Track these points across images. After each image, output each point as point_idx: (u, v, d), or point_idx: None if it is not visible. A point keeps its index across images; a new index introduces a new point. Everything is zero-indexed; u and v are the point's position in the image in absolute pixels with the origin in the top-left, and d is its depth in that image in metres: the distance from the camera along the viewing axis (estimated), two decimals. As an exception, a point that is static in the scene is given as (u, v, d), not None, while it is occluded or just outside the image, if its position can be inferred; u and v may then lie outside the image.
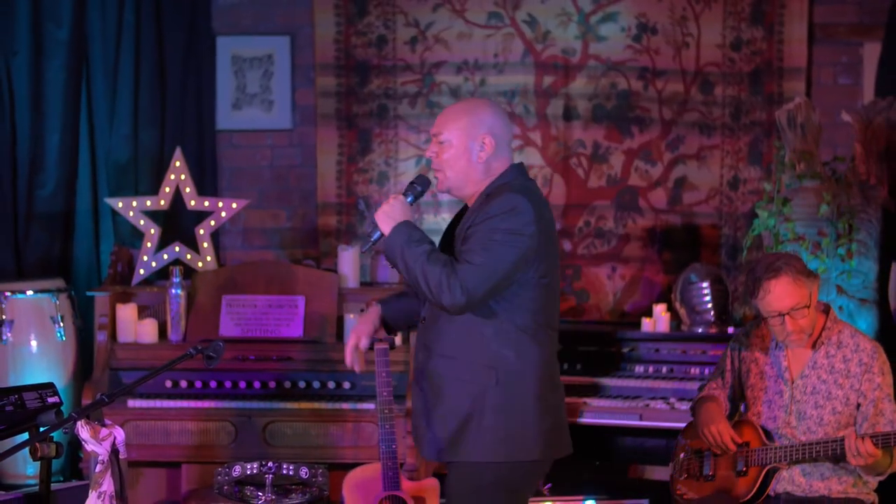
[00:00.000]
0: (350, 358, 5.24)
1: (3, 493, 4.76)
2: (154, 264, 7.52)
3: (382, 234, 4.97)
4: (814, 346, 5.67)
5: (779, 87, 8.25)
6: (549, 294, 5.01)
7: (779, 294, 5.52)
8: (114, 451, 4.57)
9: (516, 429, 4.95)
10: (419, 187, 5.11)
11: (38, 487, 4.87)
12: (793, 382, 5.68)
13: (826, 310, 5.74)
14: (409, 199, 5.07)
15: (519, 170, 5.10)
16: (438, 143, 5.05)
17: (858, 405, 5.58)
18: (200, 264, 7.52)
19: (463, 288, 4.77)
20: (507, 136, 5.11)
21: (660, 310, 7.64)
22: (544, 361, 5.00)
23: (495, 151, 5.02)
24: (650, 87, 8.33)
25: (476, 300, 4.82)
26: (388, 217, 4.96)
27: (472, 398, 4.94)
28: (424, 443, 5.06)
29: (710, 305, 7.55)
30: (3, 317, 7.23)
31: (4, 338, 7.23)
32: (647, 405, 7.16)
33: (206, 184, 8.28)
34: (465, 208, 5.16)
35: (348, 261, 7.41)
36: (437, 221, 8.41)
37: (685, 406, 6.85)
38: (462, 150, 5.01)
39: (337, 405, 6.88)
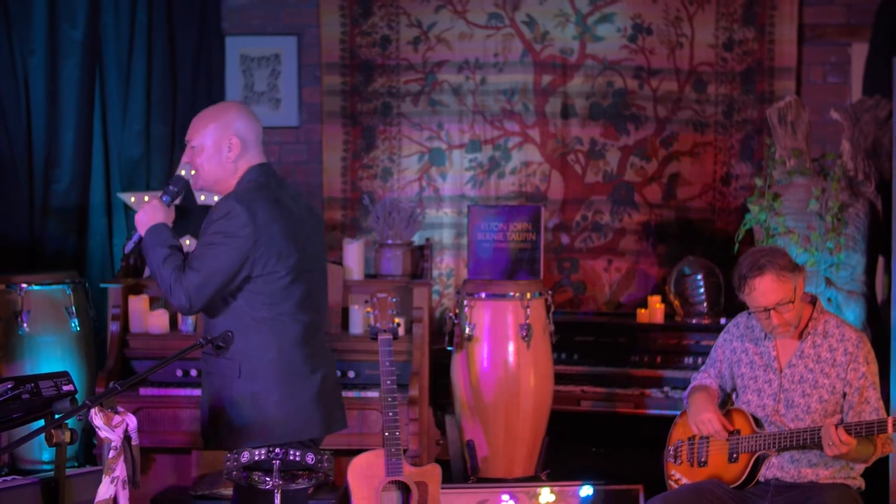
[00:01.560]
0: None
1: (20, 477, 4.77)
2: (165, 257, 7.52)
3: (141, 237, 5.16)
4: (801, 336, 5.69)
5: (770, 86, 8.26)
6: (295, 285, 5.11)
7: (763, 290, 5.54)
8: (126, 438, 4.58)
9: (263, 417, 5.13)
10: (174, 188, 5.28)
11: (53, 472, 4.88)
12: (781, 372, 5.69)
13: (813, 301, 5.75)
14: (165, 199, 5.23)
15: (259, 170, 5.20)
16: (191, 149, 5.19)
17: (844, 394, 5.60)
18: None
19: (186, 292, 4.95)
20: (254, 136, 5.24)
21: (654, 301, 7.66)
22: (288, 349, 5.11)
23: (242, 152, 5.16)
24: (645, 85, 8.34)
25: (199, 303, 4.99)
26: (143, 220, 5.15)
27: (218, 391, 5.12)
28: (210, 433, 5.24)
29: (703, 297, 7.57)
30: (20, 308, 7.24)
31: (21, 328, 7.24)
32: (643, 393, 7.18)
33: (216, 179, 8.29)
34: None
35: (353, 254, 7.41)
36: (438, 216, 8.42)
37: (679, 394, 6.87)
38: (212, 153, 5.16)
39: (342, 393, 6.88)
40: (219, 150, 5.15)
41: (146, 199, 5.14)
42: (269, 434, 5.15)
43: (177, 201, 5.35)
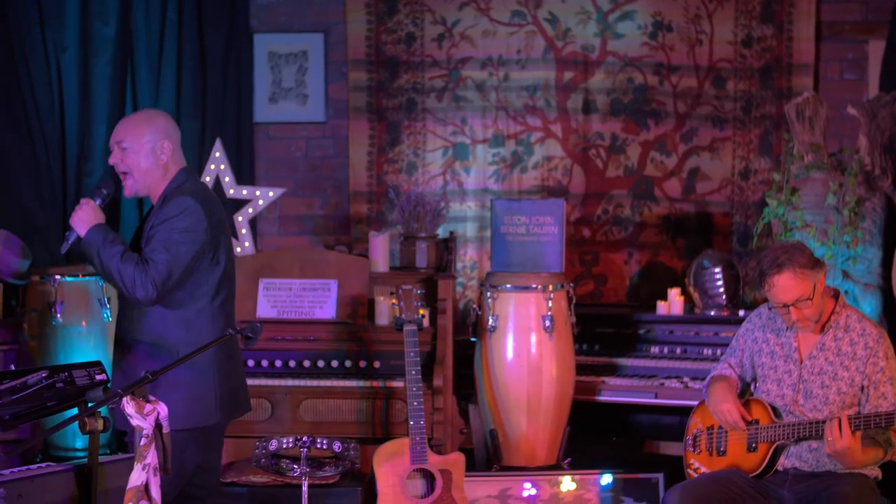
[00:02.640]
0: None
1: (53, 464, 4.78)
2: (195, 250, 7.54)
3: (79, 236, 5.36)
4: (822, 329, 5.67)
5: (788, 83, 8.23)
6: (224, 278, 5.48)
7: (783, 288, 5.53)
8: (157, 426, 4.59)
9: (198, 399, 5.38)
10: (105, 191, 5.52)
11: (86, 460, 4.89)
12: (801, 363, 5.68)
13: (836, 295, 5.73)
14: (97, 201, 5.45)
15: (188, 172, 5.54)
16: (122, 150, 5.42)
17: (863, 387, 5.58)
18: (239, 250, 7.53)
19: (154, 283, 5.23)
20: (179, 141, 5.53)
21: (674, 294, 7.64)
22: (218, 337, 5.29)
23: (172, 155, 5.45)
24: (665, 81, 8.32)
25: (163, 293, 5.27)
26: (82, 221, 5.36)
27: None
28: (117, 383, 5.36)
29: (721, 290, 7.54)
30: (54, 299, 7.25)
31: (55, 318, 7.26)
32: (662, 384, 7.17)
33: (244, 173, 8.30)
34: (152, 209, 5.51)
35: (379, 246, 7.42)
36: (462, 209, 8.42)
37: (698, 385, 6.85)
38: (148, 155, 5.41)
39: (367, 383, 6.89)
40: (153, 153, 5.41)
41: (83, 204, 5.36)
42: (213, 412, 5.42)
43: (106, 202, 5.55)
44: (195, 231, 5.30)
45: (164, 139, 5.41)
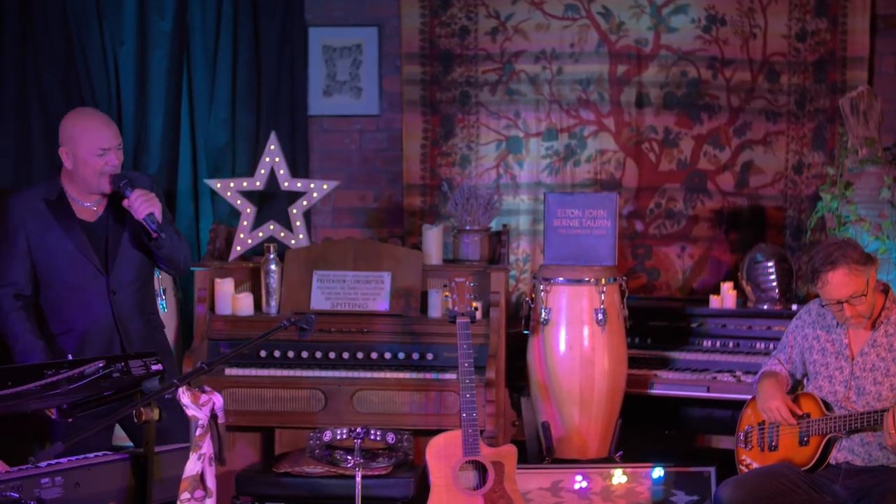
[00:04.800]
0: None
1: (110, 453, 4.81)
2: (250, 242, 7.57)
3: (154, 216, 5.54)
4: (873, 325, 5.63)
5: (842, 76, 8.16)
6: None
7: (836, 284, 5.49)
8: (213, 416, 4.61)
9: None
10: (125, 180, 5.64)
11: (142, 449, 4.91)
12: (853, 359, 5.64)
13: (885, 290, 5.69)
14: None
15: None
16: (121, 150, 5.69)
17: (916, 382, 5.55)
18: (293, 242, 7.55)
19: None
20: None
21: (727, 287, 7.61)
22: None
23: None
24: (719, 75, 8.28)
25: None
26: (154, 204, 5.54)
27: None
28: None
29: (774, 283, 7.50)
30: (111, 290, 7.30)
31: (111, 310, 7.30)
32: (715, 378, 7.14)
33: (299, 166, 8.32)
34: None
35: (432, 239, 7.42)
36: (515, 202, 8.40)
37: (750, 379, 6.82)
38: None
39: (420, 375, 6.90)
40: None
41: (140, 192, 5.47)
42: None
43: None
44: None
45: None
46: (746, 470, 5.91)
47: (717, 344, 7.40)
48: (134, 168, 8.16)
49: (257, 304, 7.28)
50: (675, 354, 7.39)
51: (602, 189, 8.30)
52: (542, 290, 7.04)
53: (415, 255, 7.30)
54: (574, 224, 7.19)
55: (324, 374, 6.94)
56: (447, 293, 6.68)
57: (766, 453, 5.84)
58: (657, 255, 8.39)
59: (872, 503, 5.51)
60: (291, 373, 6.94)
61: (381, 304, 7.12)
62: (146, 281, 5.76)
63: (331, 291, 7.19)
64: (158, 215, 5.50)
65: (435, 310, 7.13)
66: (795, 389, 5.95)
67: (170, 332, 7.48)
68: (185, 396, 4.55)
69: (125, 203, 5.53)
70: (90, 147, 5.53)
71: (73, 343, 5.58)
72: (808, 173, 8.22)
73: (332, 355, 7.05)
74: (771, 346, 7.02)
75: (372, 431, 5.97)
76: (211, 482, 4.59)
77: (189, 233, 8.24)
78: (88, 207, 5.63)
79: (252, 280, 7.40)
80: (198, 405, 4.56)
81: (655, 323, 7.59)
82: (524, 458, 7.13)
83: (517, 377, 7.38)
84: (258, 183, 7.65)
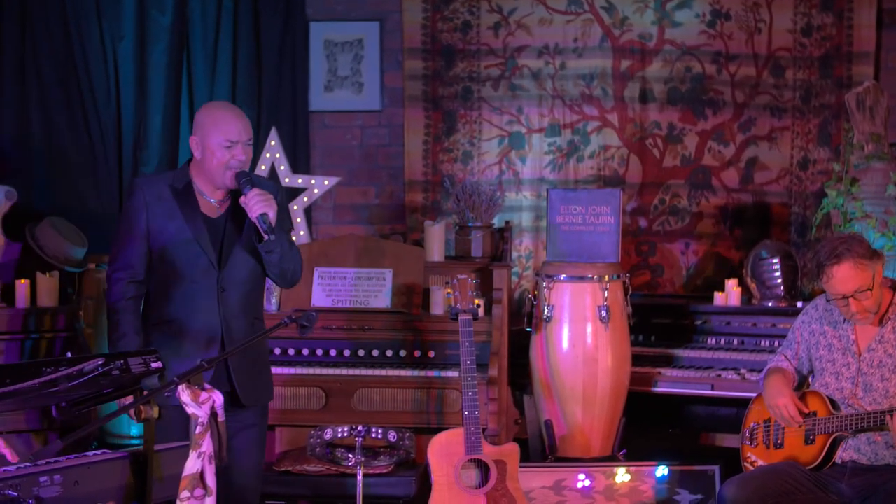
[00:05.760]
0: None
1: (109, 451, 4.81)
2: (251, 238, 7.56)
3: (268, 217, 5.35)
4: (881, 321, 5.63)
5: (848, 71, 8.16)
6: None
7: (841, 278, 5.49)
8: (213, 414, 4.60)
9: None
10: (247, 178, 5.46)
11: (141, 447, 4.91)
12: (860, 356, 5.64)
13: (893, 286, 5.69)
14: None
15: None
16: (248, 146, 5.52)
17: (923, 379, 5.55)
18: (294, 238, 7.55)
19: None
20: None
21: (731, 284, 7.61)
22: None
23: None
24: (723, 70, 8.27)
25: None
26: (269, 204, 5.35)
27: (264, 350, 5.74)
28: (250, 392, 5.50)
29: (779, 280, 7.50)
30: (110, 287, 7.31)
31: (111, 306, 7.31)
32: (719, 375, 7.14)
33: (300, 162, 8.32)
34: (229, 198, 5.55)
35: (434, 236, 7.42)
36: (518, 199, 8.40)
37: (755, 376, 6.82)
38: None
39: (422, 373, 6.90)
40: None
41: (258, 190, 5.31)
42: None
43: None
44: None
45: None
46: (751, 468, 5.90)
47: (722, 341, 7.39)
48: (133, 164, 8.17)
49: (258, 301, 7.27)
50: (679, 352, 7.39)
51: (605, 185, 8.30)
52: (545, 287, 7.03)
53: (416, 251, 7.30)
54: (577, 220, 7.19)
55: (325, 371, 6.95)
56: (449, 290, 6.69)
57: (772, 451, 5.84)
58: (661, 251, 8.39)
59: (878, 502, 5.51)
60: (292, 370, 6.94)
61: (383, 301, 7.12)
62: (257, 285, 5.61)
63: (332, 288, 7.19)
64: (272, 218, 5.34)
65: (437, 307, 7.13)
66: (802, 386, 5.94)
67: (169, 329, 7.48)
68: (184, 394, 4.54)
69: (242, 200, 5.39)
70: (218, 138, 5.44)
71: (170, 335, 5.46)
72: (813, 169, 8.22)
73: (332, 353, 7.05)
74: (776, 343, 7.02)
75: (373, 429, 5.97)
76: (211, 480, 4.59)
77: (189, 229, 8.24)
78: (212, 203, 5.51)
79: (252, 277, 7.38)
80: (198, 403, 4.56)
81: (659, 320, 7.59)
82: (527, 457, 7.13)
83: (520, 375, 7.38)
84: (259, 179, 7.64)
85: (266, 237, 5.33)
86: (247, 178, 5.40)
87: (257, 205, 5.32)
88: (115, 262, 5.48)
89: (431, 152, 8.51)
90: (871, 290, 5.50)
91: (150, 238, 5.45)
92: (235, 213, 5.50)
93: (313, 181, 7.68)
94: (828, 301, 5.75)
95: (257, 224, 5.34)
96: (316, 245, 7.42)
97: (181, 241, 5.44)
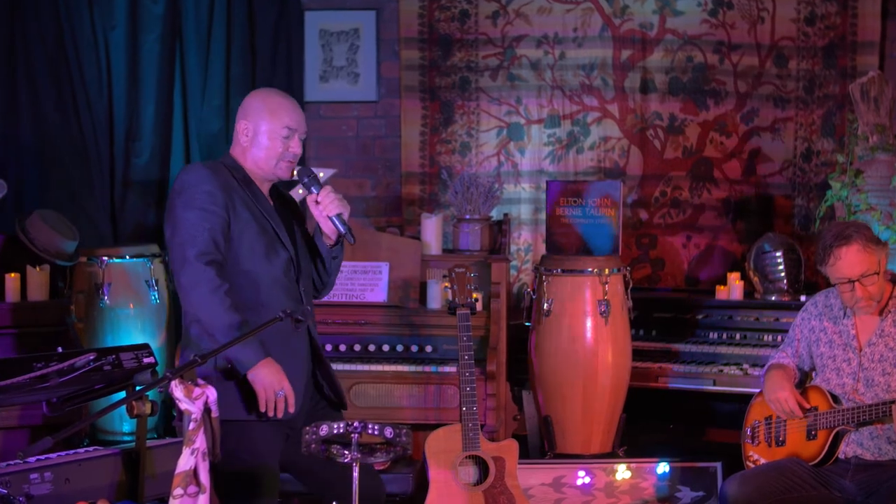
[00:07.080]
0: None
1: (101, 448, 4.81)
2: (244, 230, 7.55)
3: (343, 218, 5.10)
4: (881, 314, 5.63)
5: (852, 61, 8.16)
6: None
7: (849, 261, 5.48)
8: (206, 410, 4.60)
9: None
10: (312, 175, 5.16)
11: (133, 444, 4.92)
12: (861, 350, 5.64)
13: (893, 279, 5.69)
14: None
15: None
16: (302, 140, 5.15)
17: (925, 373, 5.55)
18: (289, 231, 7.54)
19: None
20: None
21: (733, 278, 7.61)
22: None
23: None
24: (725, 60, 8.27)
25: None
26: (344, 203, 5.10)
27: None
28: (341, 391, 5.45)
29: (783, 274, 7.50)
30: (101, 280, 7.30)
31: (102, 300, 7.30)
32: (721, 370, 7.14)
33: (295, 153, 8.31)
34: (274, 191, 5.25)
35: (431, 228, 7.41)
36: (516, 191, 8.40)
37: (758, 372, 6.82)
38: None
39: (419, 368, 6.90)
40: None
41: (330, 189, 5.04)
42: None
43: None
44: None
45: None
46: (753, 465, 5.90)
47: (724, 336, 7.39)
48: (125, 156, 8.16)
49: (252, 296, 7.26)
50: (681, 347, 7.39)
51: (606, 177, 8.30)
52: (544, 281, 7.03)
53: (413, 244, 7.29)
54: (577, 213, 7.19)
55: (320, 366, 6.94)
56: (447, 284, 6.66)
57: (774, 448, 5.84)
58: (662, 244, 8.39)
59: (882, 499, 5.50)
60: (287, 365, 6.93)
61: (379, 295, 7.11)
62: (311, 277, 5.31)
63: (327, 282, 7.18)
64: (347, 217, 5.06)
65: (434, 301, 7.12)
66: (803, 383, 5.94)
67: (162, 323, 7.49)
68: (177, 390, 4.54)
69: (310, 198, 5.06)
70: (277, 124, 5.07)
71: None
72: (817, 161, 8.22)
73: (328, 348, 7.04)
74: (779, 338, 7.02)
75: (369, 425, 5.95)
76: (204, 477, 4.59)
77: (182, 222, 8.23)
78: (263, 194, 5.17)
79: (246, 270, 7.37)
80: (191, 399, 4.56)
81: (660, 315, 7.59)
82: (526, 453, 7.13)
83: (518, 370, 7.38)
84: (253, 171, 7.63)
85: (347, 240, 5.09)
86: (312, 175, 5.11)
87: (332, 203, 5.03)
88: (195, 247, 4.88)
89: (429, 144, 8.50)
90: (877, 273, 5.49)
91: (231, 225, 4.99)
92: (278, 208, 5.20)
93: (308, 173, 7.67)
94: (827, 293, 5.75)
95: (334, 224, 5.05)
96: (311, 238, 7.41)
97: (259, 233, 5.04)
